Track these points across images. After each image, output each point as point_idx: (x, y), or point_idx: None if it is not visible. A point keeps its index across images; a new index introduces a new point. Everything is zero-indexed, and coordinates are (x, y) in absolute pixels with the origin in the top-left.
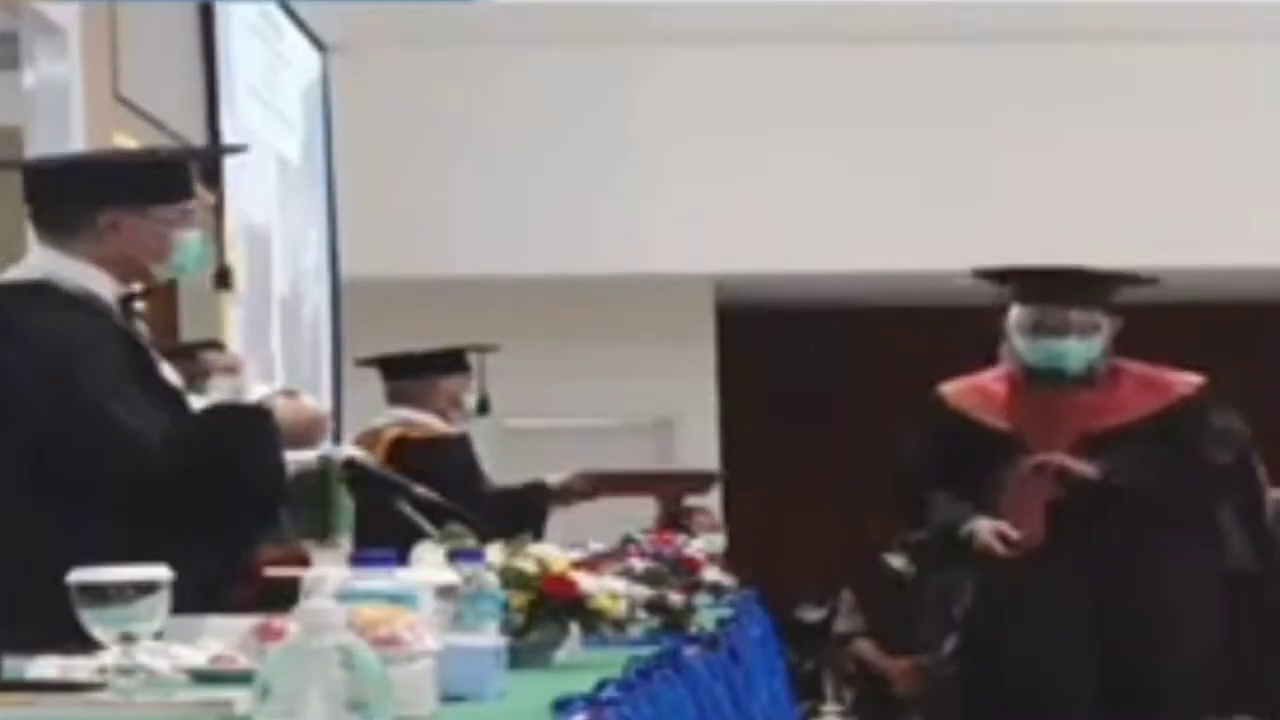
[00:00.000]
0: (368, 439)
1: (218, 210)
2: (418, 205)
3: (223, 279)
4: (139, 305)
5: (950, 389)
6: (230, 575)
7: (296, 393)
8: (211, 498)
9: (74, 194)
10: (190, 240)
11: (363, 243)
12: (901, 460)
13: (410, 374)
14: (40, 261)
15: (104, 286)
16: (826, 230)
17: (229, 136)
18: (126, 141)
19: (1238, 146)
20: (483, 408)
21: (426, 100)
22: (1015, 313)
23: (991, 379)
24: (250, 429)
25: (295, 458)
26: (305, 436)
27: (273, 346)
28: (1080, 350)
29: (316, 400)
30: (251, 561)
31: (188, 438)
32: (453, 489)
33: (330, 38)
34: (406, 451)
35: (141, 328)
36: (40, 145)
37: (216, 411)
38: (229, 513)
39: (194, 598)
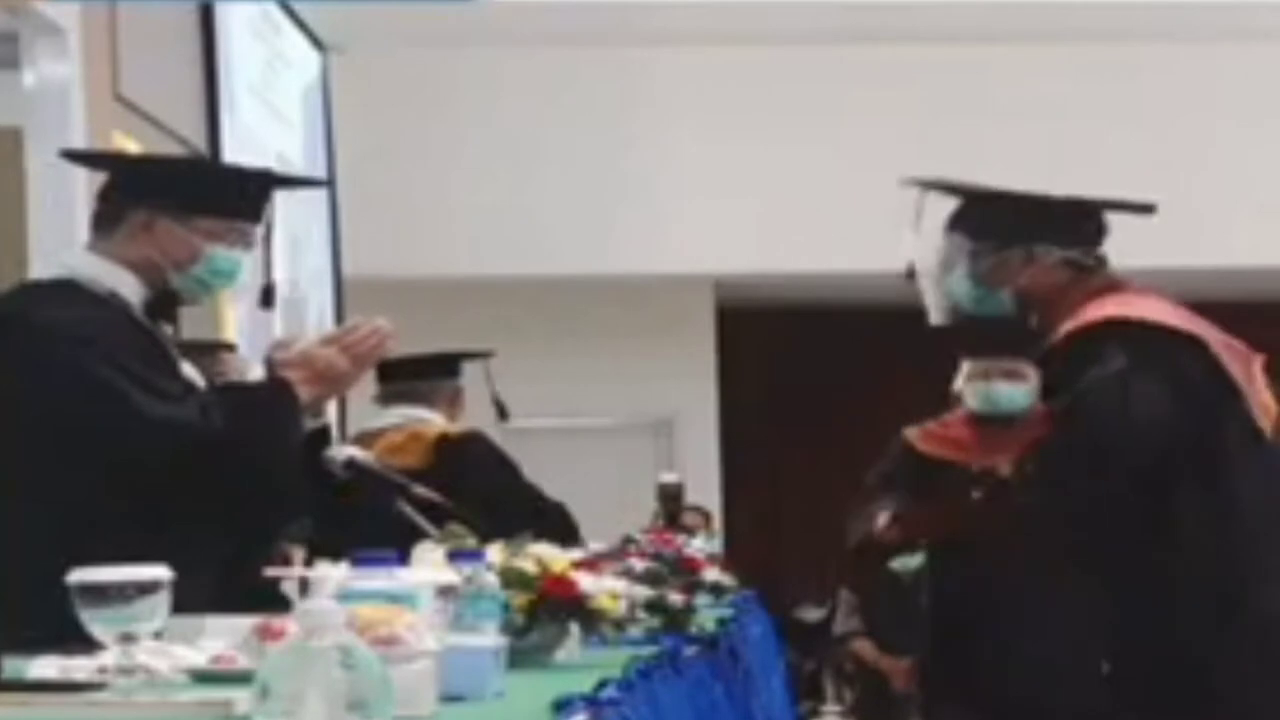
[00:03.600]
0: (393, 437)
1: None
2: (418, 205)
3: (266, 297)
4: (174, 310)
5: None
6: (242, 562)
7: (287, 344)
8: (250, 469)
9: (120, 188)
10: (222, 256)
11: (363, 243)
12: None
13: (428, 374)
14: (71, 260)
15: (128, 287)
16: (826, 230)
17: (229, 136)
18: (126, 141)
19: (1238, 146)
20: (502, 414)
21: (426, 100)
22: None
23: None
24: (278, 405)
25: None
26: (327, 385)
27: None
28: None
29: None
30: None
31: (222, 407)
32: (501, 479)
33: (330, 38)
34: (452, 447)
35: (168, 330)
36: (40, 145)
37: (243, 388)
38: (263, 488)
39: (206, 587)
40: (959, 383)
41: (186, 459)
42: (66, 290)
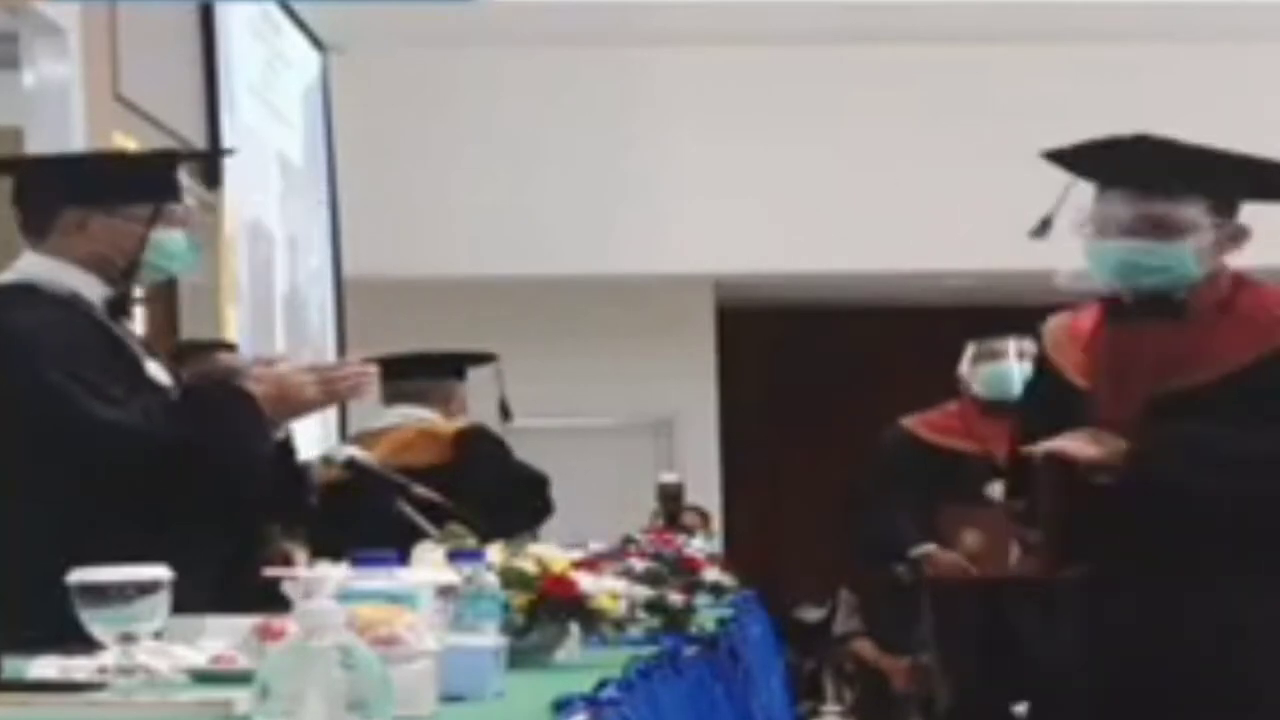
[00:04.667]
0: (400, 435)
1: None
2: (418, 205)
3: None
4: (135, 306)
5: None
6: (242, 561)
7: (274, 361)
8: (199, 474)
9: (38, 194)
10: (167, 239)
11: (364, 243)
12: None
13: (431, 374)
14: (25, 264)
15: (88, 286)
16: (826, 230)
17: (229, 136)
18: (126, 141)
19: (1238, 147)
20: (506, 415)
21: (426, 100)
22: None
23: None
24: (232, 412)
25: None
26: (288, 405)
27: (277, 347)
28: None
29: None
30: (268, 547)
31: (170, 411)
32: (509, 465)
33: (330, 38)
34: (469, 442)
35: (132, 328)
36: (40, 145)
37: (199, 392)
38: (219, 492)
39: (207, 586)
40: (964, 367)
41: (128, 462)
42: (28, 294)
